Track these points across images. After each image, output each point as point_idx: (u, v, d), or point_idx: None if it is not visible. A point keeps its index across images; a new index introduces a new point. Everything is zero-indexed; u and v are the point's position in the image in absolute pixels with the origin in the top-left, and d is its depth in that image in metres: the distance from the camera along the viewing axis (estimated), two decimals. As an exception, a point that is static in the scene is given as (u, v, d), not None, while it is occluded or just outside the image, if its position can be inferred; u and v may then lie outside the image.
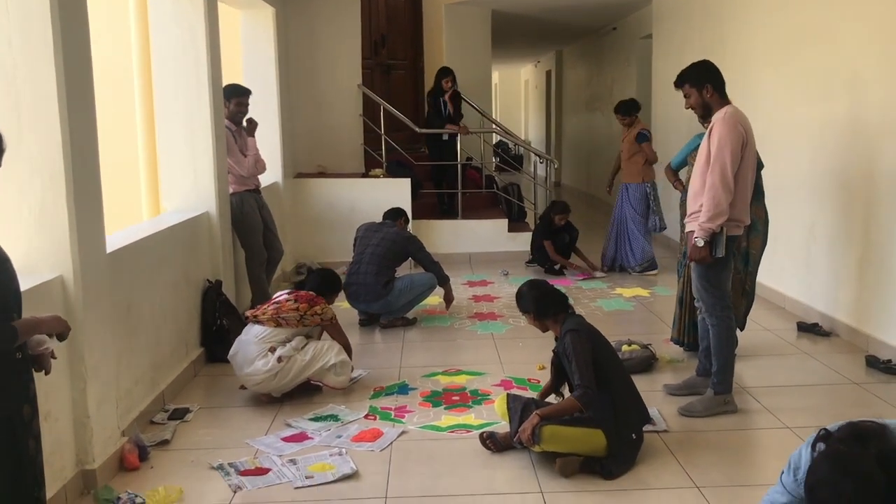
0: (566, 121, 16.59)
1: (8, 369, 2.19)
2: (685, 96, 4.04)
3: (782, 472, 2.42)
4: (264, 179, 6.85)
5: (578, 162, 15.17)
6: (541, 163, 11.55)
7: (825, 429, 2.27)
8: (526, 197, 9.98)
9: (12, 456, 2.18)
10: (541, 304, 3.70)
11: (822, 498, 2.15)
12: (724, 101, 3.97)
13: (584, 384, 3.39)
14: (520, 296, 3.79)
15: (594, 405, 3.43)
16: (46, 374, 2.39)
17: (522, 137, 22.93)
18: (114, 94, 6.13)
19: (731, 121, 3.85)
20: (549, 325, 3.71)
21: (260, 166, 6.05)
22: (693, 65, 4.06)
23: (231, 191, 5.74)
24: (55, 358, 2.43)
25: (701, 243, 3.87)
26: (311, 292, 4.63)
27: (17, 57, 3.14)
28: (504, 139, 11.84)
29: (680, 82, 4.03)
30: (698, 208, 3.91)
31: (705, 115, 4.02)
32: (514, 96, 24.87)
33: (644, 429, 3.85)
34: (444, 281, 6.08)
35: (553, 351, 3.69)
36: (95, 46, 3.66)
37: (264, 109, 7.44)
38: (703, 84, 3.95)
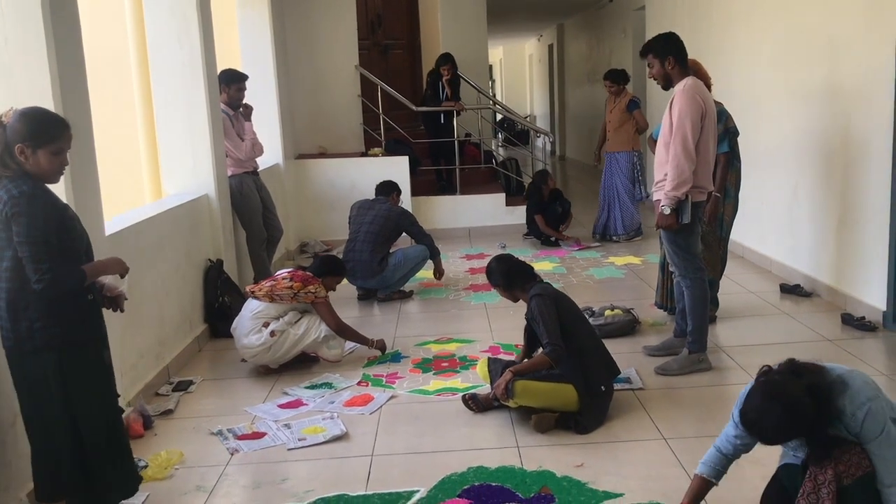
0: (569, 94, 16.67)
1: (83, 308, 2.70)
2: (648, 66, 4.20)
3: (734, 408, 2.59)
4: (264, 161, 7.07)
5: (581, 134, 15.26)
6: (537, 137, 11.69)
7: (768, 365, 2.45)
8: (525, 172, 10.15)
9: (98, 369, 2.78)
10: (508, 276, 3.95)
11: (752, 420, 2.34)
12: (685, 72, 4.11)
13: (552, 342, 3.62)
14: (489, 271, 4.03)
15: (563, 362, 3.65)
16: (122, 311, 2.98)
17: (528, 112, 23.03)
18: (114, 82, 6.32)
19: (690, 92, 4.00)
20: (518, 294, 3.96)
21: (257, 150, 6.24)
22: (658, 36, 4.22)
23: (230, 173, 5.94)
24: (127, 299, 2.96)
25: (668, 211, 4.05)
26: (308, 273, 4.82)
27: (13, 53, 3.34)
28: (507, 115, 11.99)
29: (644, 52, 4.20)
30: (663, 177, 4.09)
31: (666, 86, 4.18)
32: (519, 71, 24.90)
33: (621, 387, 4.08)
34: (435, 254, 6.29)
35: (525, 319, 3.91)
36: (93, 35, 3.85)
37: (263, 93, 7.66)
38: (666, 56, 4.10)
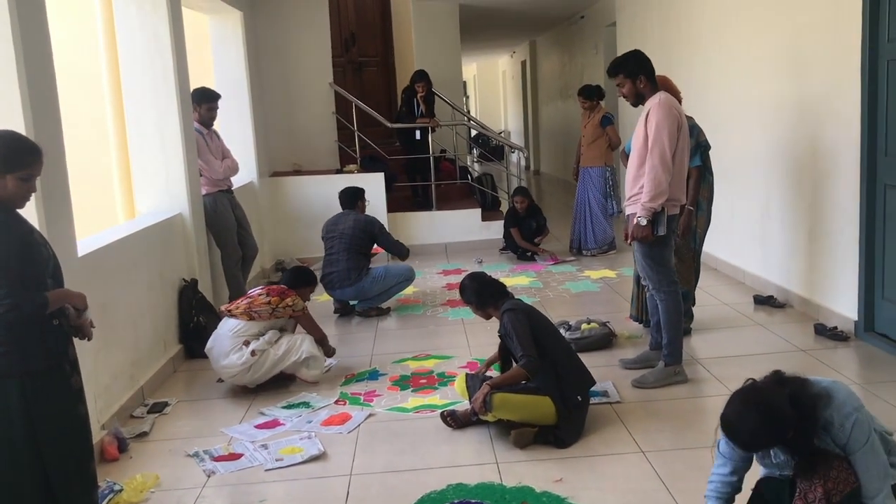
0: (542, 109, 16.80)
1: (48, 333, 2.62)
2: (618, 85, 4.24)
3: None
4: (239, 179, 7.04)
5: (555, 149, 15.38)
6: (512, 152, 11.77)
7: (752, 379, 2.45)
8: (500, 187, 10.20)
9: (64, 396, 2.68)
10: (480, 294, 3.97)
11: (731, 427, 2.32)
12: (656, 87, 4.16)
13: (526, 353, 3.63)
14: (462, 289, 4.05)
15: (538, 374, 3.66)
16: (88, 340, 2.86)
17: (502, 128, 23.15)
18: (86, 101, 6.28)
19: (666, 105, 4.05)
20: (491, 312, 3.98)
21: (234, 169, 6.24)
22: (626, 55, 4.26)
23: (204, 192, 5.91)
24: (94, 327, 2.86)
25: (644, 222, 4.08)
26: (282, 286, 4.82)
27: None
28: (481, 132, 12.07)
29: (613, 72, 4.22)
30: (638, 191, 4.12)
31: (636, 103, 4.22)
32: (492, 87, 25.04)
33: (598, 401, 4.09)
34: (405, 255, 6.47)
35: (498, 335, 3.92)
36: (64, 53, 3.83)
37: (237, 111, 7.65)
38: (637, 75, 4.15)
